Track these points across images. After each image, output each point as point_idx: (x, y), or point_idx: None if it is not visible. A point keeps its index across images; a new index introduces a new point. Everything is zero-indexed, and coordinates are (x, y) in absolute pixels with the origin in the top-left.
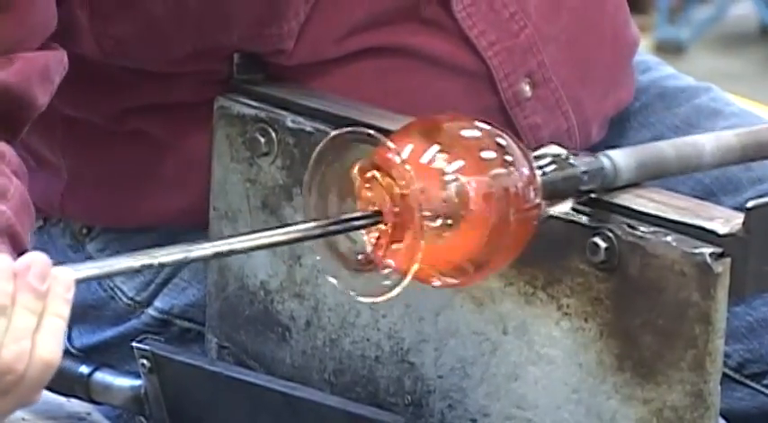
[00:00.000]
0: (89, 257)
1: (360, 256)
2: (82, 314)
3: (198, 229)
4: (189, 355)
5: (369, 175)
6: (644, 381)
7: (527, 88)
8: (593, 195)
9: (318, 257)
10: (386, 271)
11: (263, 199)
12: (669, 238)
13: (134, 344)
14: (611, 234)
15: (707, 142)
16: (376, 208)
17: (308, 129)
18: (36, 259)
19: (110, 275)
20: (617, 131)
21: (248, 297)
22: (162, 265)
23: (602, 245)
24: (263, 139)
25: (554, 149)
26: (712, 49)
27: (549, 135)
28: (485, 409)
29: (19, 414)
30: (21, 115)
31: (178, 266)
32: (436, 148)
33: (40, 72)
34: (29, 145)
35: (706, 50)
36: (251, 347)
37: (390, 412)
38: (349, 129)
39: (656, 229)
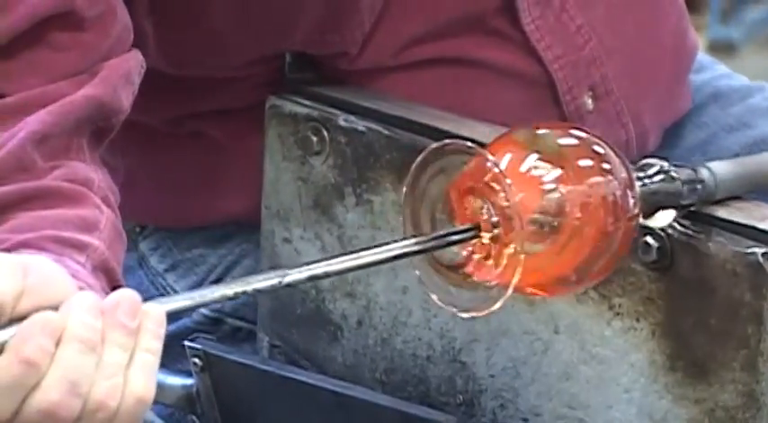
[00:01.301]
0: (142, 256)
1: (460, 271)
2: None
3: (251, 229)
4: (240, 353)
5: (466, 187)
6: (696, 381)
7: (589, 101)
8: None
9: (418, 272)
10: (486, 284)
11: (314, 198)
12: (721, 238)
13: (186, 342)
14: (663, 233)
15: None
16: (474, 221)
17: (361, 128)
18: (125, 296)
19: (202, 306)
20: (671, 132)
21: (300, 296)
22: (257, 292)
23: (654, 244)
24: (315, 138)
25: (654, 161)
26: (765, 48)
27: None
28: (536, 408)
29: None
30: (109, 123)
31: (229, 265)
32: (534, 157)
33: (124, 77)
34: None
35: (759, 50)
36: (302, 346)
37: (442, 412)
38: (447, 141)
39: (709, 228)
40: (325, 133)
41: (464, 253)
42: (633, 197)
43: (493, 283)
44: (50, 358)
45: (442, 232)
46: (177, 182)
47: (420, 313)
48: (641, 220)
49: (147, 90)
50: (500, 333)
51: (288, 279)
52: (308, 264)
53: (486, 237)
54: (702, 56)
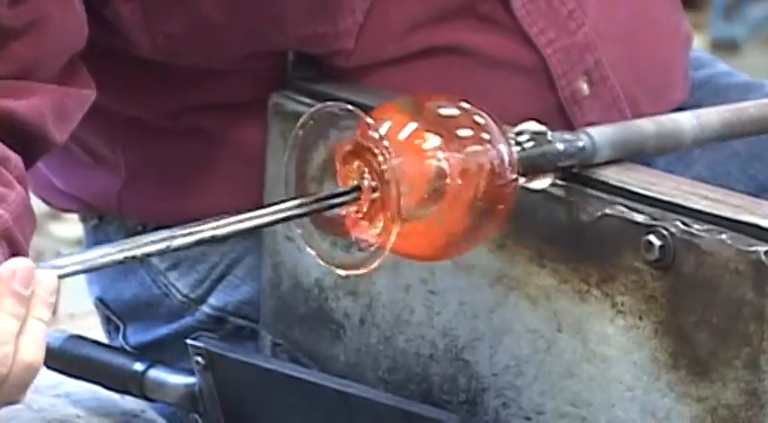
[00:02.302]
0: None
1: (341, 231)
2: (136, 312)
3: None
4: (243, 352)
5: (348, 150)
6: (698, 379)
7: (585, 86)
8: (574, 170)
9: (299, 231)
10: (365, 245)
11: None
12: (724, 236)
13: (188, 341)
14: (665, 232)
15: (688, 120)
16: (355, 184)
17: None
18: (20, 264)
19: (93, 270)
20: None
21: (303, 295)
22: (146, 256)
23: (657, 243)
24: None
25: (533, 126)
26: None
27: None
28: (539, 406)
29: (73, 411)
30: (35, 147)
31: (231, 263)
32: (414, 125)
33: (56, 109)
34: (87, 144)
35: (762, 48)
36: (305, 345)
37: (444, 410)
38: (328, 104)
39: (711, 226)
40: None
41: (345, 214)
42: (511, 165)
43: (372, 243)
44: None
45: (323, 194)
46: (178, 178)
47: (423, 311)
48: (521, 182)
49: (142, 83)
50: (503, 331)
51: (176, 243)
52: (192, 226)
53: (366, 199)
54: (702, 53)
